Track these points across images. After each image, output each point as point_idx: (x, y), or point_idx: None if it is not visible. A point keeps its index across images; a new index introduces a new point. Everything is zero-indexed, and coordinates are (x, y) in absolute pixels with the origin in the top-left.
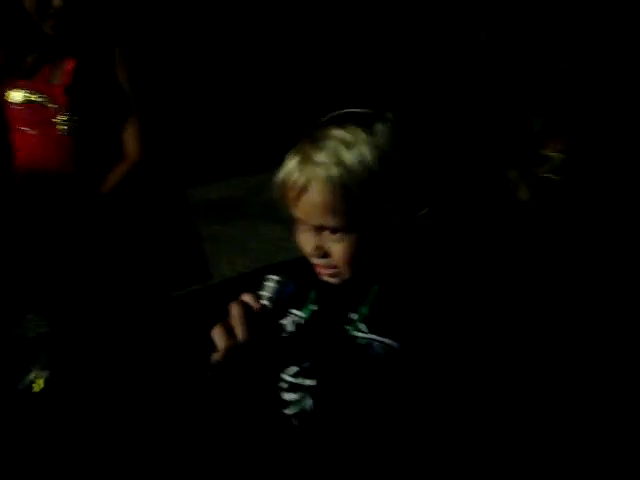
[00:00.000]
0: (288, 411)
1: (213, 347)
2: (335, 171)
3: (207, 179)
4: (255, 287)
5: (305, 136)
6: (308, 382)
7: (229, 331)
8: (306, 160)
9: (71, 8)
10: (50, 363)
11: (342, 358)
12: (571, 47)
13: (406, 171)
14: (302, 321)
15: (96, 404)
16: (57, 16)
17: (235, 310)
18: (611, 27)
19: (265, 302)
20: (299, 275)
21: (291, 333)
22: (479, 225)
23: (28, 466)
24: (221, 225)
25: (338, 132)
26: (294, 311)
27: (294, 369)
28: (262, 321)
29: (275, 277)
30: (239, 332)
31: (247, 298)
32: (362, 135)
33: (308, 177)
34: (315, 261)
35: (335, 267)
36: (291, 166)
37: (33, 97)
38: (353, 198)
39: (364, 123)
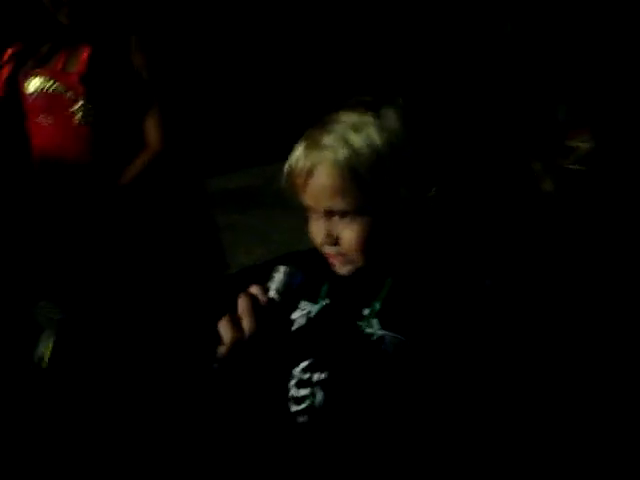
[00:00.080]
0: (297, 407)
1: (220, 339)
2: (342, 153)
3: (226, 168)
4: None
5: (315, 122)
6: (317, 377)
7: (236, 323)
8: (313, 144)
9: None
10: (57, 331)
11: (352, 354)
12: (595, 36)
13: (417, 156)
14: (313, 315)
15: (100, 391)
16: (71, 4)
17: (242, 302)
18: (637, 16)
19: (272, 294)
20: (312, 267)
21: (301, 327)
22: (503, 217)
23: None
24: (239, 214)
25: (346, 116)
26: (305, 304)
27: (304, 364)
28: (270, 314)
29: (283, 268)
30: (246, 325)
31: (255, 290)
32: (371, 119)
33: (315, 160)
34: (326, 250)
35: (346, 254)
36: (299, 151)
37: (49, 85)
38: (361, 181)
39: (373, 107)
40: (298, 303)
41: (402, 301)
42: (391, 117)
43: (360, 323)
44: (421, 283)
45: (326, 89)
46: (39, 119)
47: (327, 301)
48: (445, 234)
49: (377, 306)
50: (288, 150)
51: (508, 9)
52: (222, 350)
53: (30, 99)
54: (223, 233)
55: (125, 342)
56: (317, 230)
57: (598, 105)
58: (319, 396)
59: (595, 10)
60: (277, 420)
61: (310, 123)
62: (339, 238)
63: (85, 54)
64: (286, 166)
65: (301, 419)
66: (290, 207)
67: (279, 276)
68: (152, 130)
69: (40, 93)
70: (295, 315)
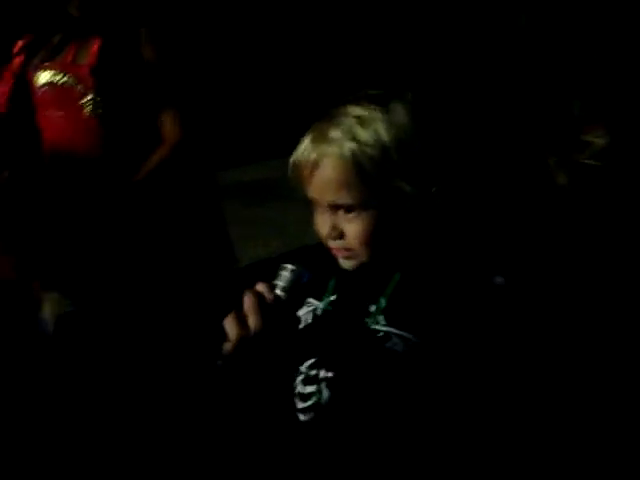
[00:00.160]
0: (303, 404)
1: (225, 336)
2: (348, 147)
3: (243, 161)
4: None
5: (322, 115)
6: (323, 374)
7: (241, 321)
8: (320, 137)
9: None
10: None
11: (359, 351)
12: (609, 31)
13: (424, 152)
14: (320, 312)
15: (101, 385)
16: None
17: (248, 300)
18: None
19: (279, 292)
20: (319, 263)
21: (308, 324)
22: (516, 213)
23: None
24: (257, 207)
25: (354, 110)
26: (312, 301)
27: (310, 361)
28: (276, 312)
29: (290, 266)
30: (251, 322)
31: (261, 288)
32: (378, 113)
33: (321, 153)
34: (332, 244)
35: (351, 249)
36: (305, 143)
37: (59, 78)
38: (367, 176)
39: (381, 102)
40: (305, 300)
41: (408, 297)
42: (400, 112)
43: (367, 319)
44: (428, 279)
45: (342, 83)
46: (49, 112)
47: (334, 297)
48: (453, 230)
49: (383, 302)
50: None
51: (522, 2)
52: (227, 347)
53: (40, 92)
54: (240, 225)
55: (129, 337)
56: (322, 223)
57: (613, 100)
58: (325, 393)
59: (610, 5)
60: (282, 417)
61: (322, 116)
62: (344, 232)
63: (95, 46)
64: (292, 157)
65: (307, 416)
66: (307, 200)
67: (286, 274)
68: (169, 124)
69: (50, 86)
70: (301, 312)
